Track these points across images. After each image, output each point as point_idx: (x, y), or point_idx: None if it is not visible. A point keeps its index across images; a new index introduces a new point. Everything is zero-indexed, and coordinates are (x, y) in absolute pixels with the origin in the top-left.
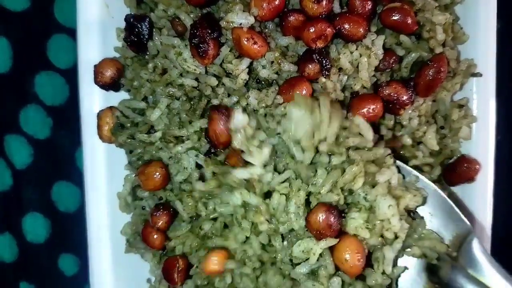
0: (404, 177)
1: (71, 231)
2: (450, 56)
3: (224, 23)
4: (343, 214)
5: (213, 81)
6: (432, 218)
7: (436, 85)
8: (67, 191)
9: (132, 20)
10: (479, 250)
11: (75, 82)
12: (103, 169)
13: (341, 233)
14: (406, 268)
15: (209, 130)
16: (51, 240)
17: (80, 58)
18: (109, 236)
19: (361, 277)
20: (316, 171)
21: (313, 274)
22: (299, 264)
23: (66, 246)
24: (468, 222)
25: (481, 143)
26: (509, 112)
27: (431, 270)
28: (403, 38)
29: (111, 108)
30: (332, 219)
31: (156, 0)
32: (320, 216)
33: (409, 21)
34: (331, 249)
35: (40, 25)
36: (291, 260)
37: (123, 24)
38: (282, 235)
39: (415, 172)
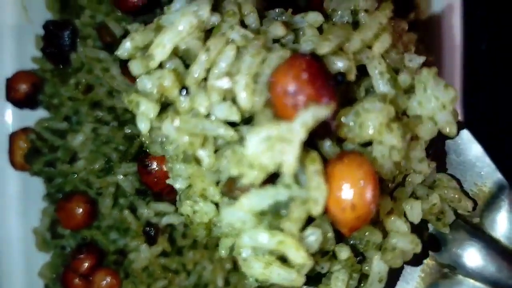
0: None
1: None
2: None
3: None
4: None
5: None
6: (449, 164)
7: None
8: None
9: (52, 27)
10: None
11: None
12: (17, 200)
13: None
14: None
15: (141, 177)
16: None
17: None
18: (23, 278)
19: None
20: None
21: (275, 216)
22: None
23: None
24: (502, 177)
25: None
26: None
27: (436, 245)
28: None
29: (25, 130)
30: (321, 74)
31: (82, 4)
32: (299, 69)
33: None
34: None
35: None
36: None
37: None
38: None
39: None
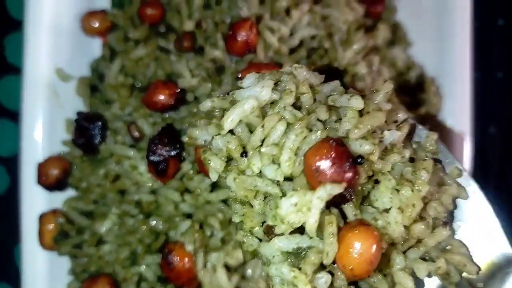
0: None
1: None
2: None
3: (187, 138)
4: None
5: (176, 196)
6: (462, 231)
7: None
8: None
9: (83, 122)
10: None
11: (16, 172)
12: (44, 274)
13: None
14: None
15: (164, 271)
16: None
17: (23, 154)
18: None
19: None
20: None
21: (296, 256)
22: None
23: None
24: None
25: None
26: None
27: None
28: None
29: (54, 212)
30: (342, 158)
31: (112, 98)
32: (324, 152)
33: None
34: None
35: None
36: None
37: (73, 114)
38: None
39: (459, 165)
